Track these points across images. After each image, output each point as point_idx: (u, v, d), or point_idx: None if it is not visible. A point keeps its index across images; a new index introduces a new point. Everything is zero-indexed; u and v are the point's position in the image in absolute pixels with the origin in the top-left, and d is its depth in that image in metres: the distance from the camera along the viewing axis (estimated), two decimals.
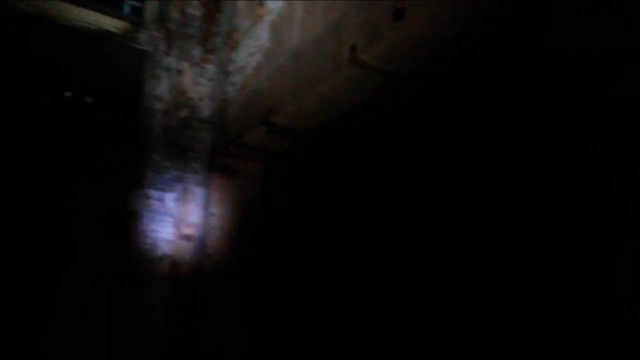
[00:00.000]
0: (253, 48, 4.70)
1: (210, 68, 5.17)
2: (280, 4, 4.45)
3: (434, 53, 2.96)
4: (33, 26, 4.83)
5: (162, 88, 4.97)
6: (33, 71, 6.83)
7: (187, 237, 4.72)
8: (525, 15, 2.71)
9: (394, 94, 3.30)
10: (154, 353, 4.51)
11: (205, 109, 5.06)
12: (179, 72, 5.03)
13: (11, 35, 4.84)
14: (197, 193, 4.84)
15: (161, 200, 4.77)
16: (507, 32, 2.84)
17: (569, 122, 2.64)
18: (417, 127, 3.62)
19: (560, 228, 2.69)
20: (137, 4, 5.47)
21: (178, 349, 4.50)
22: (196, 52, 5.15)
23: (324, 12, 3.94)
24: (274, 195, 4.25)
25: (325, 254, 3.75)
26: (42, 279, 6.13)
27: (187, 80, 5.04)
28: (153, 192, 4.80)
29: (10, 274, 5.28)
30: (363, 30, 3.49)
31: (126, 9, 5.89)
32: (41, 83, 6.26)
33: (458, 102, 3.39)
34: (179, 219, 4.76)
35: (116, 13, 5.28)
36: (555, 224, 2.73)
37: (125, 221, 6.50)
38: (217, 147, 4.96)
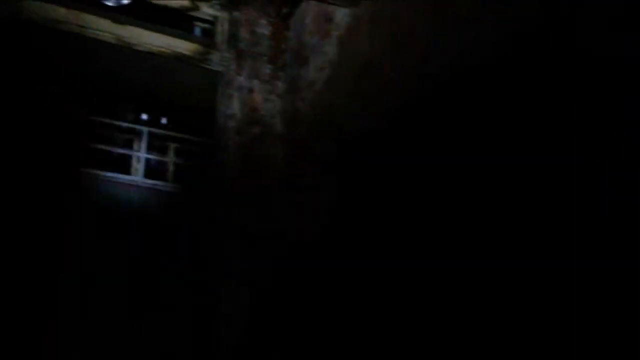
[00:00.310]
0: (322, 63, 4.76)
1: (281, 85, 5.27)
2: (347, 18, 4.50)
3: (497, 60, 2.94)
4: (111, 51, 5.07)
5: (234, 106, 5.09)
6: (111, 95, 7.10)
7: (262, 248, 4.80)
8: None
9: (459, 102, 3.29)
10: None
11: (277, 125, 5.15)
12: (250, 90, 5.15)
13: (92, 61, 5.09)
14: (271, 207, 4.93)
15: (236, 213, 4.87)
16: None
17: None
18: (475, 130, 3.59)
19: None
20: (207, 26, 5.64)
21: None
22: (266, 69, 5.26)
23: (391, 24, 3.96)
24: (348, 206, 4.27)
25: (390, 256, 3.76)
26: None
27: (258, 98, 5.15)
28: (227, 207, 4.91)
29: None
30: (430, 41, 3.49)
31: (197, 31, 6.08)
32: (119, 106, 6.53)
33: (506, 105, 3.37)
34: (253, 230, 4.85)
35: (187, 36, 5.46)
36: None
37: (200, 233, 6.64)
38: (289, 162, 5.04)
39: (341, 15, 4.58)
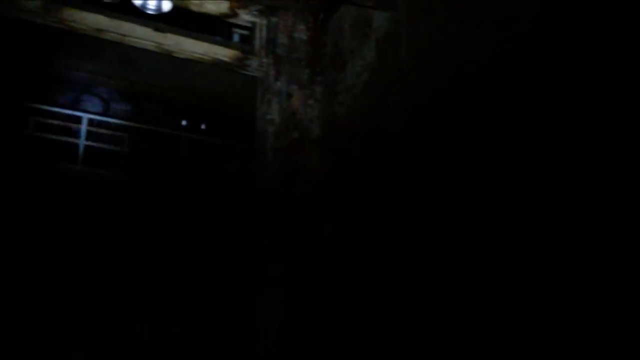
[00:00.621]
0: (360, 67, 4.77)
1: (319, 89, 5.29)
2: (385, 22, 4.50)
3: (515, 59, 2.96)
4: (152, 59, 5.15)
5: (272, 111, 5.13)
6: (152, 102, 7.22)
7: (296, 249, 4.83)
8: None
9: (488, 100, 3.32)
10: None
11: (315, 130, 5.17)
12: (289, 95, 5.18)
13: (136, 68, 5.17)
14: (308, 208, 4.94)
15: (272, 215, 4.90)
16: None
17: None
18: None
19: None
20: (246, 32, 5.70)
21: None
22: (305, 74, 5.28)
23: (428, 27, 3.95)
24: (386, 205, 4.28)
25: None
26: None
27: (297, 103, 5.18)
28: (263, 208, 4.93)
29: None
30: (462, 42, 3.47)
31: (235, 38, 6.15)
32: (161, 113, 6.63)
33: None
34: (289, 232, 4.87)
35: (226, 42, 5.52)
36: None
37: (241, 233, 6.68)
38: (327, 164, 5.05)
39: (380, 19, 4.58)
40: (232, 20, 5.51)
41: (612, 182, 2.34)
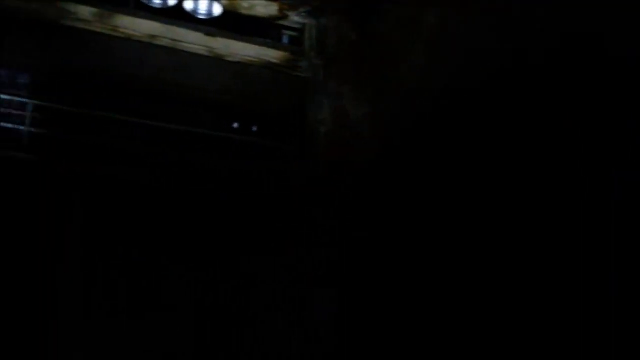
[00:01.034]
0: (410, 66, 4.75)
1: (370, 89, 5.26)
2: (434, 20, 4.48)
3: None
4: (202, 63, 5.21)
5: (324, 112, 5.14)
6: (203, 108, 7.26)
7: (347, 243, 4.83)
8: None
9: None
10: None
11: (366, 129, 5.16)
12: (340, 95, 5.18)
13: (186, 73, 5.24)
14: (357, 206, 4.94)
15: (319, 213, 4.91)
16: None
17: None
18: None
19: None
20: (295, 34, 5.71)
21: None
22: (355, 74, 5.27)
23: (478, 23, 3.93)
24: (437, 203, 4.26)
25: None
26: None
27: (348, 103, 5.17)
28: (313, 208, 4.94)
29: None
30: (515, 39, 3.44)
31: (285, 40, 6.17)
32: (210, 118, 6.68)
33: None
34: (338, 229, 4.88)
35: (276, 44, 5.55)
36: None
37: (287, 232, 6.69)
38: (377, 164, 5.04)
39: (429, 17, 4.57)
40: (281, 23, 5.54)
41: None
